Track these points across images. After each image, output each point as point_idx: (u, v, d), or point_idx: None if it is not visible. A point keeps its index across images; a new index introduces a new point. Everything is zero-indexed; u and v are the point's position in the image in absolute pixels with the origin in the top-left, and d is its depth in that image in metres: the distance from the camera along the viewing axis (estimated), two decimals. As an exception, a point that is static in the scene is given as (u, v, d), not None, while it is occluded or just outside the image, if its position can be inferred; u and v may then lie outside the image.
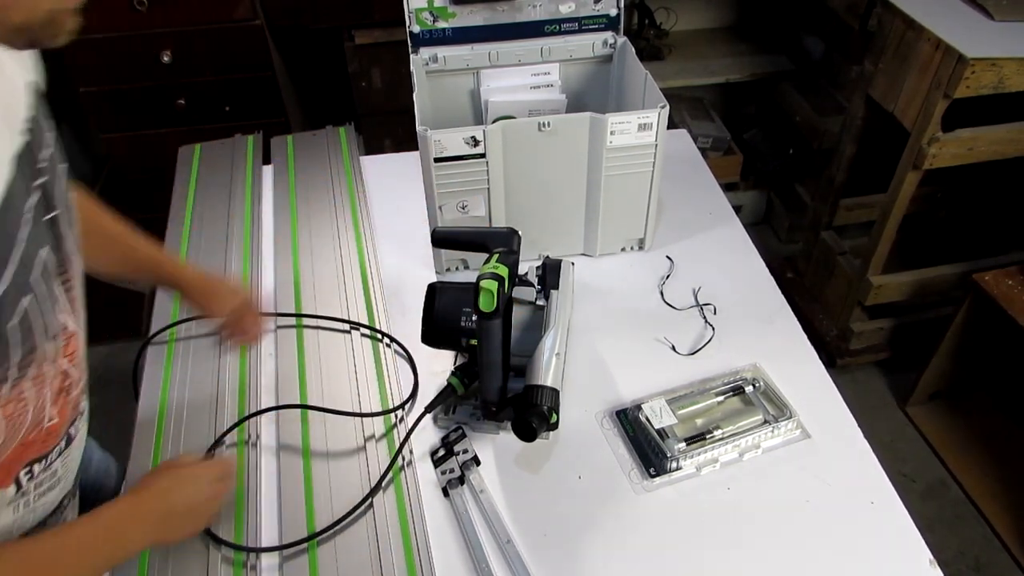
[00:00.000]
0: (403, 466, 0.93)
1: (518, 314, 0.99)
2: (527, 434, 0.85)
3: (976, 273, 1.75)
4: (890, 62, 1.75)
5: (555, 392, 0.86)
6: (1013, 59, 1.53)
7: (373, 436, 0.96)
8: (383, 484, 0.90)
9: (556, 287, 1.00)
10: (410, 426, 0.95)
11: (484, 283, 0.83)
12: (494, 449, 0.96)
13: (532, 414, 0.84)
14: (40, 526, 0.74)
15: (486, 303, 0.84)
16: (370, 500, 0.88)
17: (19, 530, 0.71)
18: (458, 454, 0.94)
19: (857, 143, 1.97)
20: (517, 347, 0.96)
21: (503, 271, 0.86)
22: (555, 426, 0.87)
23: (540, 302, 1.00)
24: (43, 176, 0.63)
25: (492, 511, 0.88)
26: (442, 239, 1.01)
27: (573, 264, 1.09)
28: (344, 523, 0.86)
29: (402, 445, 0.94)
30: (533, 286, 1.01)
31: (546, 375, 0.87)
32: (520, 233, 0.96)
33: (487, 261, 0.89)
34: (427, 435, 0.97)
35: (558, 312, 0.96)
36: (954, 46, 1.54)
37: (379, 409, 0.99)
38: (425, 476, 0.93)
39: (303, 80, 2.39)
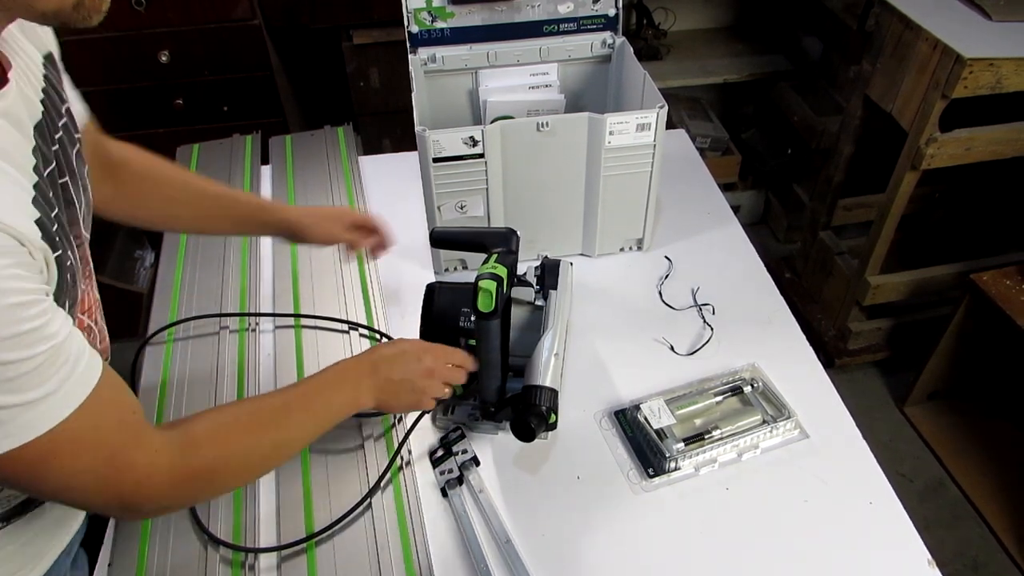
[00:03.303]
0: (402, 466, 0.93)
1: (517, 314, 0.99)
2: (526, 434, 0.85)
3: (974, 273, 1.75)
4: (888, 62, 1.75)
5: (554, 392, 0.86)
6: (1011, 59, 1.53)
7: (371, 436, 0.96)
8: (381, 484, 0.90)
9: (555, 287, 1.00)
10: (409, 426, 0.95)
11: (483, 283, 0.83)
12: (493, 449, 0.96)
13: (531, 414, 0.84)
14: None
15: (485, 303, 0.84)
16: (368, 500, 0.88)
17: None
18: (457, 454, 0.94)
19: (855, 143, 1.97)
20: (516, 347, 0.96)
21: (502, 271, 0.86)
22: (554, 426, 0.87)
23: (539, 302, 0.99)
24: (56, 144, 0.65)
25: (491, 511, 0.88)
26: (441, 239, 1.01)
27: (572, 264, 1.09)
28: (342, 523, 0.86)
29: (401, 445, 0.93)
30: (532, 286, 1.01)
31: (545, 375, 0.87)
32: (519, 233, 0.96)
33: (486, 261, 0.89)
34: (426, 435, 0.97)
35: (557, 312, 0.96)
36: (952, 46, 1.55)
37: (378, 409, 0.99)
38: (424, 476, 0.92)
39: (301, 80, 2.39)
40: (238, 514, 0.88)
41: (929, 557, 0.84)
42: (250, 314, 1.13)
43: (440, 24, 1.22)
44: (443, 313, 0.95)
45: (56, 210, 0.60)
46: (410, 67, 1.21)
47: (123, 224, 1.14)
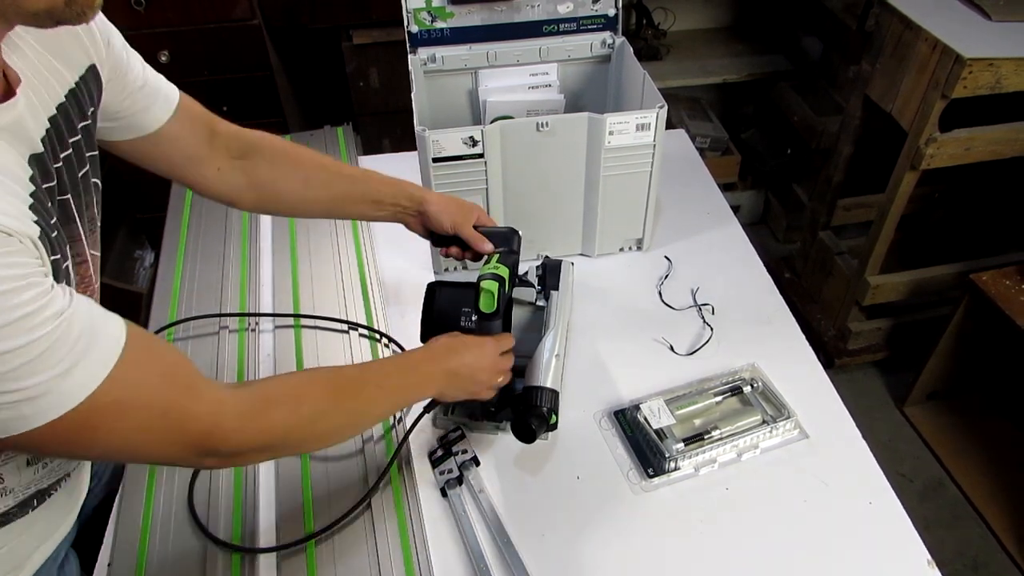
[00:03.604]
0: (401, 466, 0.93)
1: (518, 315, 0.99)
2: (526, 435, 0.85)
3: (973, 273, 1.75)
4: (888, 62, 1.75)
5: (554, 393, 0.86)
6: (1010, 59, 1.53)
7: (371, 436, 0.96)
8: (381, 484, 0.90)
9: (556, 287, 1.00)
10: (408, 426, 0.95)
11: (485, 283, 0.83)
12: (493, 450, 0.96)
13: (532, 416, 0.84)
14: (55, 484, 0.76)
15: (487, 304, 0.84)
16: (368, 500, 0.88)
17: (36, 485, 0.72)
18: (457, 454, 0.94)
19: (855, 143, 1.97)
20: (517, 348, 0.95)
21: (504, 271, 0.86)
22: (554, 427, 0.87)
23: (540, 303, 0.99)
24: (60, 162, 0.65)
25: (490, 512, 0.88)
26: (441, 239, 1.01)
27: (573, 264, 1.09)
28: (342, 524, 0.86)
29: (400, 445, 0.93)
30: (533, 286, 1.01)
31: (545, 376, 0.87)
32: (520, 233, 0.96)
33: (487, 261, 0.89)
34: (425, 435, 0.97)
35: (558, 313, 0.96)
36: (951, 46, 1.55)
37: (377, 409, 0.99)
38: (423, 477, 0.92)
39: (301, 80, 2.39)
40: (238, 514, 0.88)
41: (929, 557, 0.84)
42: (250, 314, 1.13)
43: (440, 24, 1.22)
44: (444, 313, 0.95)
45: (54, 219, 0.60)
46: (410, 67, 1.21)
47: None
